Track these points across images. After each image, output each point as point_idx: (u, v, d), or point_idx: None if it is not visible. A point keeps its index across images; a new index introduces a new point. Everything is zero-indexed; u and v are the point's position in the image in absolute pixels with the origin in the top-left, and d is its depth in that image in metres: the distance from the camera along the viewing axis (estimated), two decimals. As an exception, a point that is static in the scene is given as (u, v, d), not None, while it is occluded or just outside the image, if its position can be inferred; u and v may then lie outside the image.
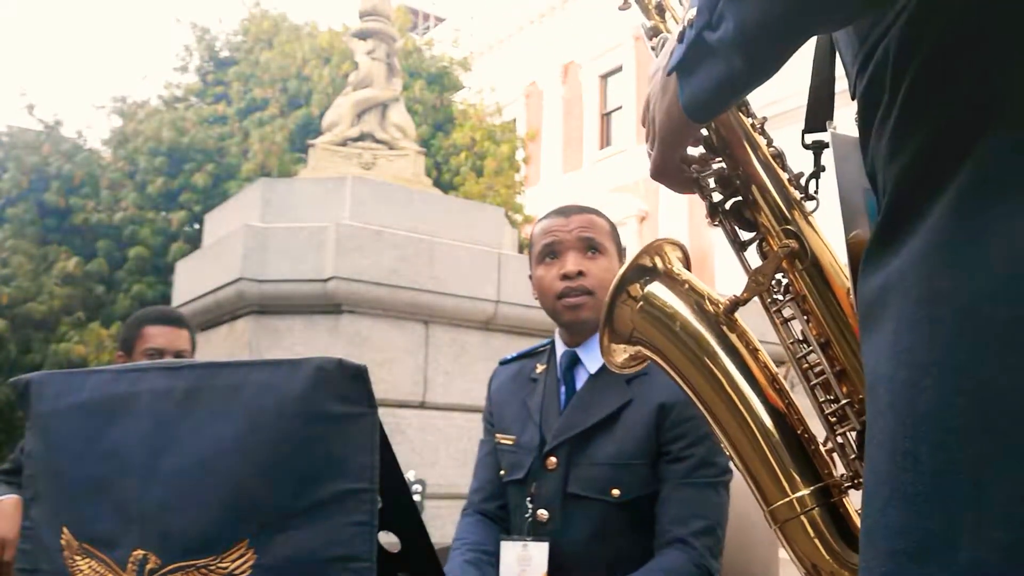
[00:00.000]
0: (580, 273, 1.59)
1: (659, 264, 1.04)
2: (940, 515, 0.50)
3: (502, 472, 1.67)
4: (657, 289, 1.02)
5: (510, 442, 1.66)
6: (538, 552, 1.50)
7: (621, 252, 1.69)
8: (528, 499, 1.57)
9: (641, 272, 1.03)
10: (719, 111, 0.84)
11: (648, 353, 1.03)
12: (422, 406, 4.02)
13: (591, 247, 1.61)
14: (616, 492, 1.49)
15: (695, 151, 0.94)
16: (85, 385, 1.03)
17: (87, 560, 0.97)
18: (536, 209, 10.97)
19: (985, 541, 0.47)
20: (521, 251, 5.55)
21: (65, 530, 1.00)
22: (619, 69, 17.73)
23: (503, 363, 1.82)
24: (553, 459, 1.56)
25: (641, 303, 1.02)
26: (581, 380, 1.63)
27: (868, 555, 0.56)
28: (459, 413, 4.06)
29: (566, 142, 18.90)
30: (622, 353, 1.07)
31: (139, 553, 0.91)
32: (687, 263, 1.07)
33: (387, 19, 5.51)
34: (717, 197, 0.93)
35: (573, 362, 1.65)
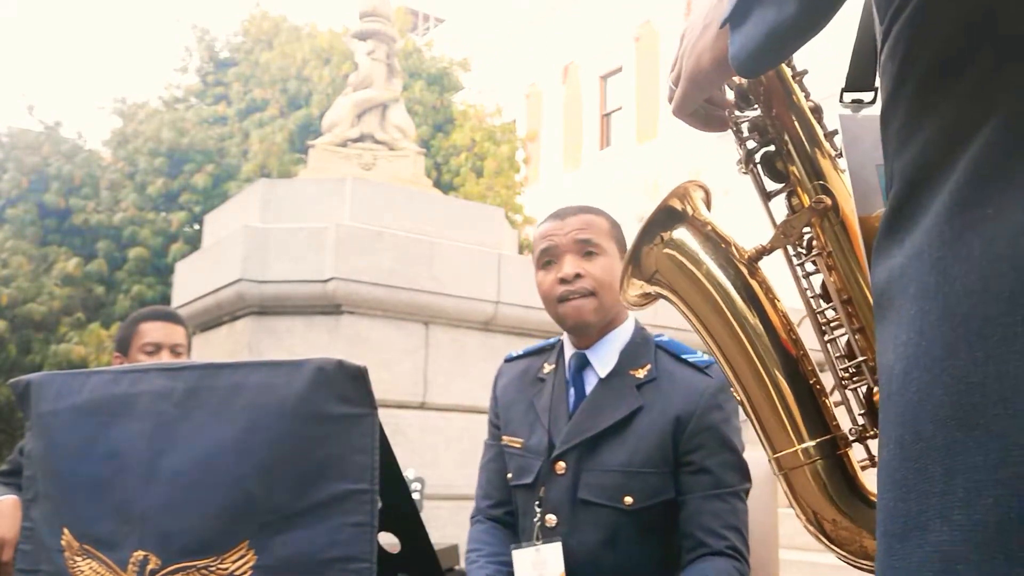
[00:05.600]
0: (578, 275, 1.56)
1: (687, 208, 1.05)
2: (917, 499, 0.54)
3: (509, 476, 1.64)
4: (683, 233, 1.03)
5: (518, 445, 1.63)
6: (552, 554, 1.48)
7: (624, 249, 1.64)
8: (536, 503, 1.55)
9: (669, 215, 1.04)
10: (768, 65, 0.81)
11: (665, 293, 1.04)
12: (422, 406, 4.02)
13: (588, 249, 1.58)
14: (629, 500, 1.47)
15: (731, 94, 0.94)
16: (85, 386, 1.03)
17: (87, 561, 0.97)
18: (536, 209, 10.97)
19: (949, 523, 0.51)
20: (521, 251, 5.55)
21: (65, 531, 1.00)
22: (619, 70, 17.71)
23: (509, 360, 1.77)
24: (562, 464, 1.53)
25: (667, 246, 1.03)
26: (590, 383, 1.59)
27: (876, 536, 0.60)
28: (459, 413, 4.06)
29: (566, 142, 18.89)
30: (637, 289, 1.08)
31: (139, 554, 0.91)
32: (708, 203, 1.08)
33: (387, 20, 5.51)
34: (751, 144, 0.94)
35: (582, 365, 1.61)
